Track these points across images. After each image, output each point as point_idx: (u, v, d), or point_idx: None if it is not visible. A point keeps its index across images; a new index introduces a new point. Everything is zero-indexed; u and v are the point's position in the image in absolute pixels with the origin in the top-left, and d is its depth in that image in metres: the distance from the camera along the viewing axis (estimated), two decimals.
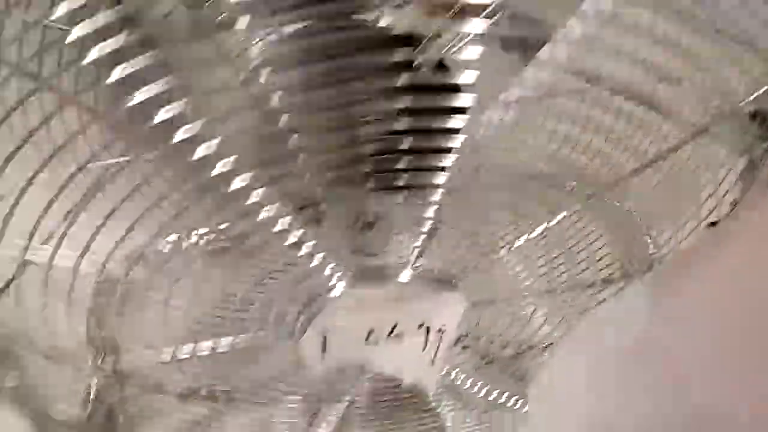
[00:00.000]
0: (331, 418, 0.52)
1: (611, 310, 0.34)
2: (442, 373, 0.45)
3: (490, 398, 0.49)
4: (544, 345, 0.48)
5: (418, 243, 0.35)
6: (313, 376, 0.47)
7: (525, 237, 0.38)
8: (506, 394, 0.49)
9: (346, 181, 0.35)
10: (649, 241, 0.41)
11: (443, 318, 0.38)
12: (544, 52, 0.33)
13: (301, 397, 0.52)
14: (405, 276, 0.36)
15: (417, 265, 0.37)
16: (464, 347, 0.45)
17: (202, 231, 0.37)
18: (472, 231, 0.37)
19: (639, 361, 0.28)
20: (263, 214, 0.33)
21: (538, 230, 0.38)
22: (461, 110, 0.33)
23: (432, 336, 0.39)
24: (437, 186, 0.35)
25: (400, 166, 0.35)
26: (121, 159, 0.34)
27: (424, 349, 0.40)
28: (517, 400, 0.50)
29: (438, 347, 0.40)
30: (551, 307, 0.43)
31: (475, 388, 0.49)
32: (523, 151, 0.36)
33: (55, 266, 0.37)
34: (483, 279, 0.39)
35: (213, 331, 0.42)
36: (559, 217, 0.38)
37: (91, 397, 0.59)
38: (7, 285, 0.37)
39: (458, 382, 0.48)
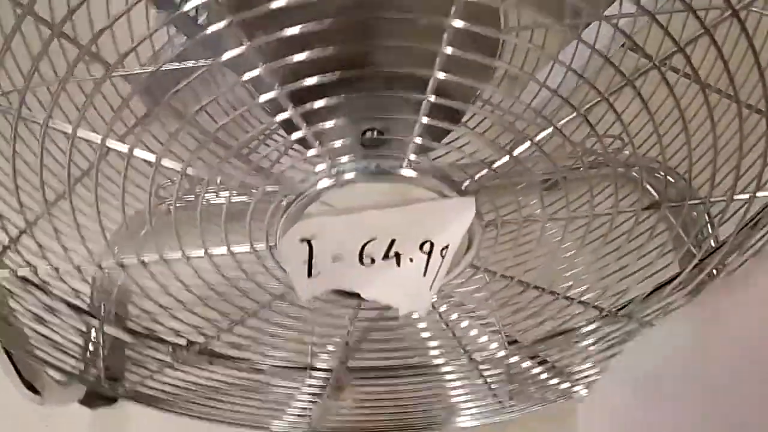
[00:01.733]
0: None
1: (652, 338, 0.34)
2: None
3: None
4: None
5: (421, 135, 0.30)
6: (305, 310, 0.43)
7: None
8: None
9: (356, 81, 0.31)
10: None
11: (448, 230, 0.33)
12: None
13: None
14: (407, 172, 0.31)
15: (421, 161, 0.31)
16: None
17: None
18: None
19: (681, 390, 0.27)
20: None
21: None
22: None
23: (434, 256, 0.34)
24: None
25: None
26: None
27: (425, 273, 0.35)
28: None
29: (439, 269, 0.35)
30: None
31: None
32: None
33: None
34: (498, 197, 0.34)
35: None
36: None
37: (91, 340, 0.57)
38: None
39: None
